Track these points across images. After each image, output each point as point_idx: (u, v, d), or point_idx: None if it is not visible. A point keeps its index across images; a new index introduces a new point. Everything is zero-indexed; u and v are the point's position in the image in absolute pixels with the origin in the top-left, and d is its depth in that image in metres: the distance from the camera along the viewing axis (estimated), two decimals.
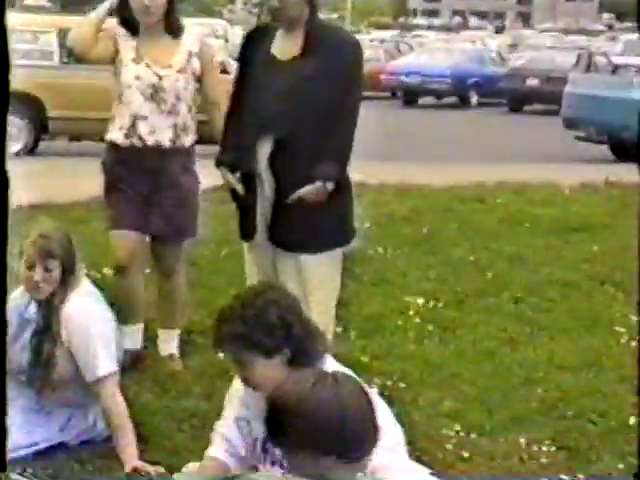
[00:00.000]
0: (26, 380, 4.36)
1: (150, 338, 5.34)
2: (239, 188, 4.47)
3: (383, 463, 2.71)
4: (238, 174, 4.50)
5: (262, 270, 4.58)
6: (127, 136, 4.97)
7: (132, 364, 4.97)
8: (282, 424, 2.62)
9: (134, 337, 5.21)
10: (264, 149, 4.42)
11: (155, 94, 4.95)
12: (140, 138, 4.96)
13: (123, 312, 4.94)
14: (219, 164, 4.56)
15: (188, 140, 5.04)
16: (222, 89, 5.12)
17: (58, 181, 10.48)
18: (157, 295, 5.33)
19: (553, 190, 9.87)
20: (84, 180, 10.43)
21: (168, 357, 5.25)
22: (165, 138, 4.97)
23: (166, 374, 5.08)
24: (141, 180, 5.00)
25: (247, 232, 4.60)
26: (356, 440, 2.64)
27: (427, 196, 9.35)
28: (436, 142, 16.10)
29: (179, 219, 5.06)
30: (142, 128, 4.95)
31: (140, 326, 5.28)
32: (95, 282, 4.54)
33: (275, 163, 4.41)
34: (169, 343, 5.29)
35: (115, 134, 5.02)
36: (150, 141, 4.95)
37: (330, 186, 4.33)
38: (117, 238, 5.13)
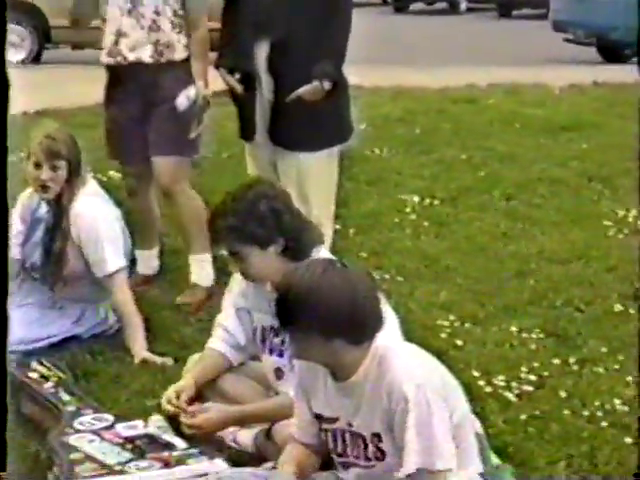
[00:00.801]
0: (39, 277, 4.39)
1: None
2: (238, 88, 4.42)
3: (386, 345, 2.73)
4: (237, 75, 4.45)
5: (262, 171, 4.56)
6: (110, 54, 4.71)
7: None
8: (293, 310, 2.64)
9: (149, 262, 5.04)
10: (262, 50, 4.38)
11: (133, 9, 4.64)
12: (122, 56, 4.66)
13: (137, 236, 4.85)
14: (218, 66, 4.51)
15: (177, 55, 4.67)
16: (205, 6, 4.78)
17: (62, 88, 10.40)
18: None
19: (543, 91, 9.77)
20: (88, 87, 10.36)
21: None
22: (146, 55, 4.64)
23: (172, 269, 5.09)
24: (134, 100, 4.70)
25: (247, 132, 4.58)
26: (364, 323, 2.67)
27: (420, 98, 9.26)
28: (427, 46, 15.94)
29: (174, 134, 4.65)
30: (123, 45, 4.66)
31: (155, 251, 5.10)
32: (101, 184, 4.54)
33: (273, 64, 4.37)
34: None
35: (103, 55, 4.78)
36: (131, 57, 4.65)
37: (327, 85, 4.30)
38: (123, 166, 5.03)
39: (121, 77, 4.74)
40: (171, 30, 4.65)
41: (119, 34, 4.66)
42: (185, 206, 4.78)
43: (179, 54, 4.67)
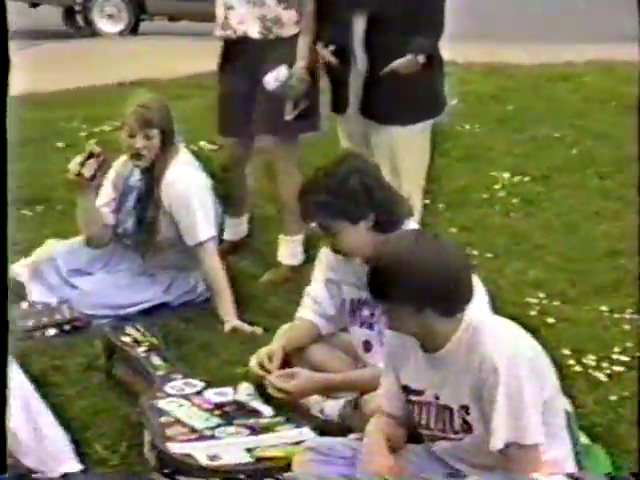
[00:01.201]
0: (131, 244, 4.46)
1: None
2: (333, 61, 4.41)
3: (478, 317, 2.71)
4: (332, 48, 4.44)
5: (354, 144, 4.55)
6: (222, 27, 4.70)
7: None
8: (386, 281, 2.63)
9: (237, 228, 5.06)
10: (358, 24, 4.36)
11: None
12: (232, 29, 4.65)
13: (228, 204, 4.87)
14: (314, 40, 4.50)
15: (286, 31, 4.60)
16: None
17: (158, 59, 10.50)
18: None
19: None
20: (182, 58, 10.50)
21: None
22: (254, 31, 4.60)
23: (263, 241, 5.13)
24: (242, 75, 4.68)
25: (340, 106, 4.57)
26: (457, 294, 2.66)
27: (514, 75, 9.14)
28: (523, 23, 15.71)
29: (277, 113, 4.55)
30: (232, 18, 4.64)
31: (244, 218, 5.10)
32: (193, 154, 4.57)
33: (369, 37, 4.35)
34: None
35: (217, 27, 4.75)
36: (240, 32, 4.63)
37: (422, 58, 4.28)
38: (223, 142, 5.01)
39: (231, 51, 4.73)
40: (276, 5, 4.57)
41: (227, 7, 4.65)
42: (284, 185, 4.70)
43: (288, 30, 4.60)
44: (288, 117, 4.56)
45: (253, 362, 3.41)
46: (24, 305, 3.03)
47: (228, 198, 4.89)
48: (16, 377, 3.08)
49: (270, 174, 4.84)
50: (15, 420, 3.01)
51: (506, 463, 2.60)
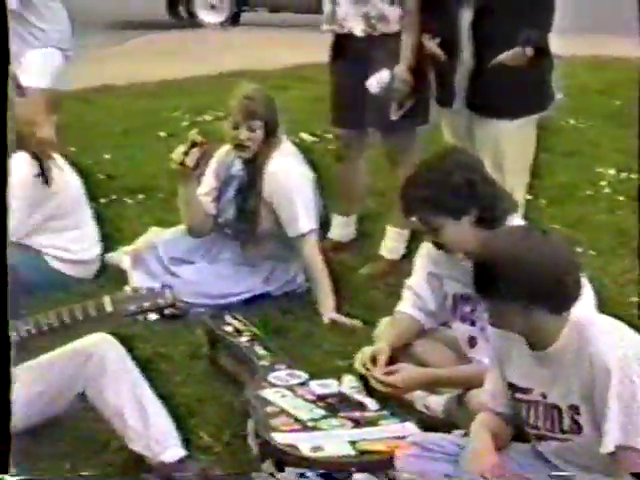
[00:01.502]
0: (232, 234, 4.49)
1: None
2: (440, 54, 4.38)
3: (586, 315, 2.67)
4: (438, 40, 4.40)
5: (458, 138, 4.51)
6: (328, 21, 4.72)
7: None
8: (493, 278, 2.59)
9: (343, 229, 5.03)
10: (466, 16, 4.32)
11: None
12: (338, 24, 4.66)
13: (337, 201, 4.90)
14: (421, 32, 4.47)
15: (391, 27, 4.57)
16: None
17: (258, 50, 10.57)
18: None
19: None
20: (283, 49, 10.55)
21: None
22: (358, 29, 4.60)
23: (366, 234, 5.12)
24: (349, 69, 4.68)
25: (445, 99, 4.53)
26: (566, 291, 2.60)
27: (622, 69, 8.96)
28: (632, 15, 15.38)
29: (386, 109, 4.57)
30: (338, 14, 4.65)
31: (352, 219, 5.07)
32: (294, 145, 4.59)
33: (476, 30, 4.30)
34: None
35: (324, 21, 4.77)
36: (345, 28, 4.64)
37: (530, 51, 4.21)
38: (337, 132, 5.01)
39: (340, 44, 4.74)
40: (381, 2, 4.56)
41: (334, 2, 4.66)
42: (400, 177, 4.71)
43: (392, 27, 4.57)
44: (394, 117, 4.57)
45: (357, 363, 3.40)
46: (127, 290, 3.08)
47: (338, 192, 4.89)
48: (125, 363, 3.13)
49: (390, 164, 4.80)
50: (125, 406, 3.07)
51: (616, 466, 2.54)
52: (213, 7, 13.60)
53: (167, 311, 3.01)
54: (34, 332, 2.97)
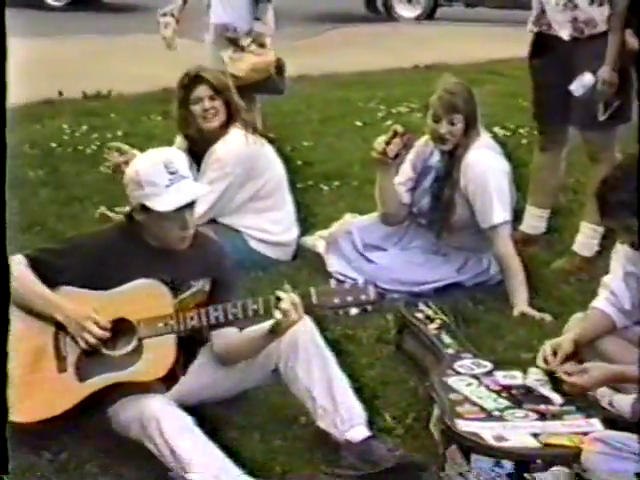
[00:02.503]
0: (426, 223, 4.49)
1: None
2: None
3: None
4: None
5: None
6: (535, 23, 4.62)
7: None
8: None
9: (535, 222, 4.95)
10: None
11: None
12: (547, 25, 4.56)
13: (532, 192, 4.85)
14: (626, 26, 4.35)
15: (598, 29, 4.44)
16: None
17: (453, 44, 10.52)
18: None
19: None
20: (477, 44, 10.46)
21: None
22: (565, 33, 4.49)
23: (559, 228, 5.04)
24: (553, 68, 4.60)
25: None
26: None
27: None
28: None
29: (590, 109, 4.46)
30: (546, 17, 4.55)
31: (545, 212, 4.96)
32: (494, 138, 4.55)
33: None
34: None
35: (530, 21, 4.68)
36: (553, 30, 4.54)
37: None
38: (541, 128, 4.92)
39: (543, 43, 4.66)
40: (588, 5, 4.44)
41: (541, 3, 4.57)
42: (599, 173, 4.42)
43: (600, 28, 4.45)
44: (601, 118, 4.47)
45: (539, 356, 3.34)
46: (332, 283, 3.12)
47: (534, 184, 4.83)
48: (317, 343, 3.18)
49: (590, 161, 4.69)
50: (315, 384, 3.12)
51: None
52: (410, 1, 13.62)
53: (369, 307, 3.04)
54: (240, 316, 3.06)
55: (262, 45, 5.74)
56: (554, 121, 4.71)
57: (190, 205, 3.15)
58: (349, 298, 3.01)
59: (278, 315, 3.00)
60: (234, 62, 5.64)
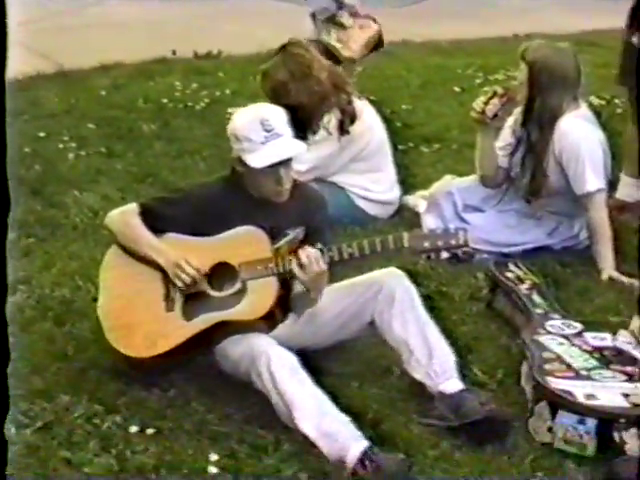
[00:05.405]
0: (521, 188, 4.42)
1: None
2: None
3: None
4: None
5: None
6: None
7: None
8: None
9: (630, 190, 4.80)
10: None
11: None
12: None
13: (628, 162, 4.72)
14: None
15: None
16: None
17: (551, 15, 10.32)
18: None
19: None
20: (573, 15, 10.21)
21: None
22: None
23: None
24: None
25: None
26: None
27: None
28: None
29: None
30: None
31: (638, 182, 4.78)
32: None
33: None
34: None
35: None
36: None
37: None
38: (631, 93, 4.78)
39: (638, 12, 4.52)
40: None
41: None
42: None
43: None
44: None
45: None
46: (424, 228, 3.12)
47: (629, 155, 4.72)
48: (412, 297, 3.18)
49: None
50: (410, 337, 3.12)
51: None
52: None
53: (459, 251, 3.02)
54: (337, 259, 3.06)
55: (354, 15, 5.68)
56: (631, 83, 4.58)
57: (287, 162, 3.15)
58: (440, 242, 3.00)
59: (296, 269, 3.01)
60: (344, 44, 5.60)
